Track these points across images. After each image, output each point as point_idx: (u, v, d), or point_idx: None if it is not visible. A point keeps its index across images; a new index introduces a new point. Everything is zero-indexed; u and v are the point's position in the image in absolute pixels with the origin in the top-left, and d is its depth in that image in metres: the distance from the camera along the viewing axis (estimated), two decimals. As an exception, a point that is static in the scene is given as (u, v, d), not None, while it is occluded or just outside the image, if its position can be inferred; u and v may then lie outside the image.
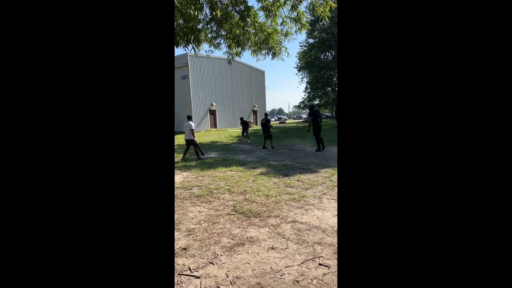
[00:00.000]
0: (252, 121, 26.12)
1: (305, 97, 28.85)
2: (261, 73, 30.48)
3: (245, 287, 1.73)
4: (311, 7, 4.09)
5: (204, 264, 2.02)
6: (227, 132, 18.22)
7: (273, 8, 4.13)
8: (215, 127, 24.12)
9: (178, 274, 1.90)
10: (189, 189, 4.17)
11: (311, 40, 26.69)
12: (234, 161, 6.63)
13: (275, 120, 45.18)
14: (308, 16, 4.41)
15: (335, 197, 3.54)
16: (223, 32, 4.82)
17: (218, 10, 3.99)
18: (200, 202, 3.53)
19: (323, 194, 3.67)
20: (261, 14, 4.37)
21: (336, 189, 3.88)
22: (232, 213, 3.09)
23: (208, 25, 4.71)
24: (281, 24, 4.66)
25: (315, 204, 3.28)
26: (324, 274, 1.84)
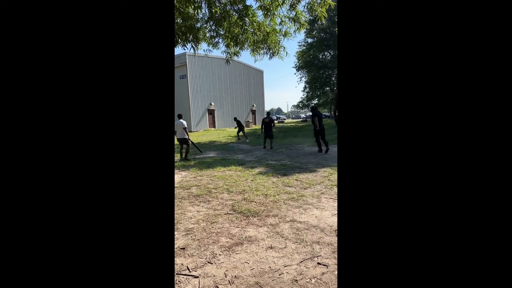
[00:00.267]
0: (251, 121, 26.11)
1: (303, 96, 28.88)
2: (260, 73, 30.47)
3: (244, 287, 1.73)
4: (309, 7, 4.09)
5: (202, 264, 2.02)
6: (226, 132, 18.21)
7: (271, 7, 4.12)
8: (214, 126, 24.08)
9: (177, 273, 1.90)
10: (187, 189, 4.16)
11: (309, 40, 26.69)
12: (233, 161, 6.63)
13: (275, 120, 44.98)
14: (307, 16, 4.41)
15: (334, 196, 3.55)
16: (221, 31, 4.81)
17: (217, 9, 3.98)
18: (198, 202, 3.52)
19: (322, 193, 3.68)
20: (260, 13, 4.37)
21: (335, 188, 3.88)
22: (231, 212, 3.08)
23: (207, 24, 4.70)
24: (280, 23, 4.66)
25: (314, 203, 3.29)
26: (323, 273, 1.84)
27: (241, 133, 12.85)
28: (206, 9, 4.33)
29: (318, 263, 1.97)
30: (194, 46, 4.70)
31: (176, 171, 5.70)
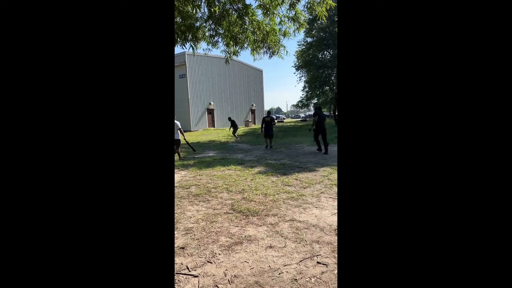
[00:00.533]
0: (250, 120, 26.09)
1: (303, 96, 28.87)
2: (259, 72, 30.45)
3: (243, 286, 1.73)
4: (309, 6, 4.08)
5: (202, 263, 2.02)
6: (225, 131, 18.19)
7: (271, 6, 4.11)
8: (213, 126, 24.07)
9: (176, 273, 1.90)
10: (187, 188, 4.16)
11: (309, 39, 26.67)
12: (232, 160, 6.63)
13: (275, 119, 44.88)
14: (306, 15, 4.40)
15: (333, 195, 3.55)
16: (221, 30, 4.80)
17: (217, 8, 3.97)
18: (198, 201, 3.52)
19: (321, 192, 3.68)
20: (259, 12, 4.36)
21: (334, 187, 3.89)
22: (230, 212, 3.08)
23: (206, 23, 4.69)
24: (279, 23, 4.65)
25: (313, 202, 3.29)
26: (322, 272, 1.84)
27: (236, 132, 12.89)
28: (205, 8, 4.33)
29: (318, 262, 1.97)
30: (193, 45, 4.69)
31: (175, 170, 5.70)
